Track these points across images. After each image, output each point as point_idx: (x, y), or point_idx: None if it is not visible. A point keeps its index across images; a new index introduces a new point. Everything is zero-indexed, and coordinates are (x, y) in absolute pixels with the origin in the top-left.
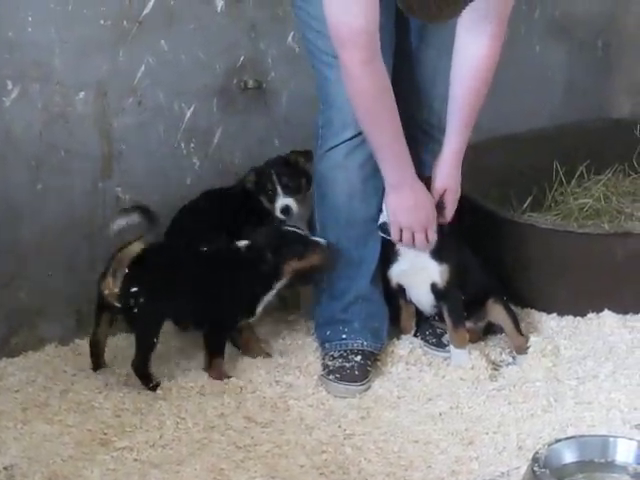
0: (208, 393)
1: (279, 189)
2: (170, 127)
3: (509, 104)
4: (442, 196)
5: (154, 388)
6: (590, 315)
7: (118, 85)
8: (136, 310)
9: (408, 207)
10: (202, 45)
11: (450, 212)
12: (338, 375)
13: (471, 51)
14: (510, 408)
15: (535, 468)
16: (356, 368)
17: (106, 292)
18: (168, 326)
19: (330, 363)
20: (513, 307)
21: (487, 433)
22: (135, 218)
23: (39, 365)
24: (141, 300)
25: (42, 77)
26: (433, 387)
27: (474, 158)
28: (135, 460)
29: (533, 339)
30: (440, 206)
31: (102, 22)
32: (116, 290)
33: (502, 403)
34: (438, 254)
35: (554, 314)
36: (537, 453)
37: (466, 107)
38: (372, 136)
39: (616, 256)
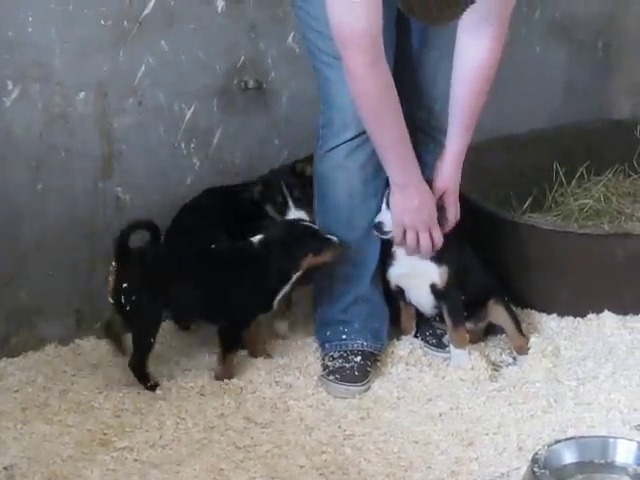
0: (208, 393)
1: (290, 202)
2: (170, 127)
3: (509, 105)
4: (442, 197)
5: (153, 388)
6: (590, 316)
7: (118, 85)
8: (128, 308)
9: (413, 207)
10: (202, 45)
11: (453, 213)
12: (338, 376)
13: (472, 53)
14: (510, 409)
15: (535, 469)
16: (356, 369)
17: (107, 289)
18: (169, 326)
19: (330, 364)
20: (513, 308)
21: (487, 434)
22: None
23: (39, 365)
24: (133, 298)
25: (42, 77)
26: (433, 388)
27: (474, 159)
28: (135, 460)
29: (533, 340)
30: (440, 208)
31: (102, 22)
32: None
33: (502, 404)
34: (437, 256)
35: (554, 315)
36: (537, 454)
37: (467, 109)
38: (376, 137)
39: (616, 257)
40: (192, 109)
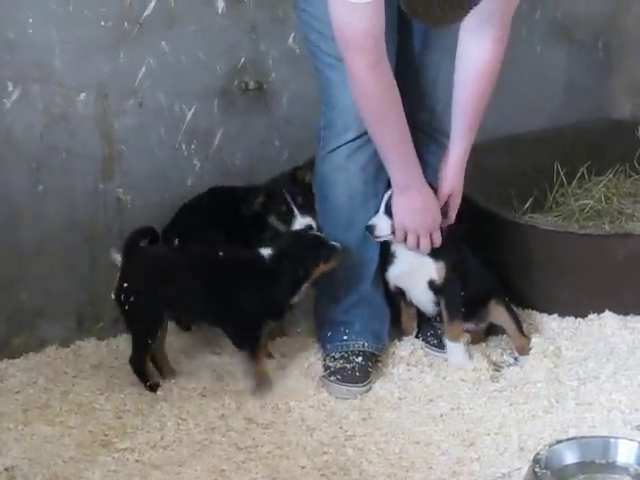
0: (209, 394)
1: (295, 210)
2: (171, 128)
3: (510, 105)
4: (448, 199)
5: (153, 388)
6: (591, 316)
7: (119, 86)
8: (127, 307)
9: (415, 210)
10: (203, 46)
11: (453, 214)
12: (339, 376)
13: (474, 55)
14: (511, 409)
15: (536, 469)
16: (357, 369)
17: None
18: (170, 326)
19: (331, 364)
20: (514, 307)
21: (488, 434)
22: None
23: (40, 366)
24: (132, 298)
25: (43, 78)
26: (434, 388)
27: (475, 159)
28: (136, 461)
29: (534, 340)
30: (443, 208)
31: (103, 23)
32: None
33: (503, 404)
34: (435, 252)
35: (555, 315)
36: (538, 454)
37: (470, 110)
38: (378, 138)
39: (617, 257)
40: (193, 110)
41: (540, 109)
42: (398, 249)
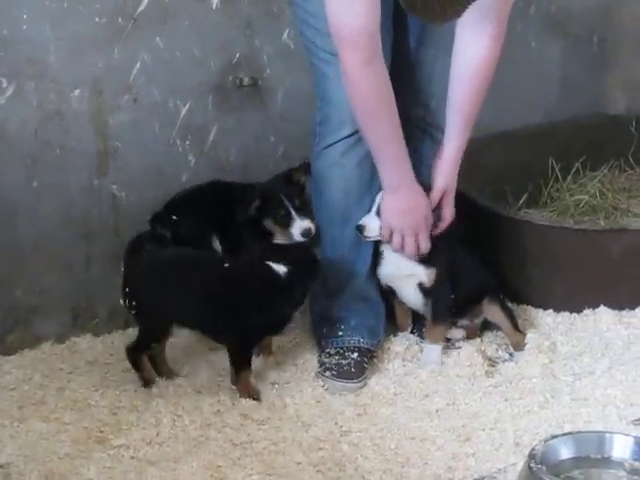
0: (204, 391)
1: (293, 213)
2: (165, 124)
3: (505, 100)
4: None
5: (147, 383)
6: (586, 311)
7: (113, 82)
8: (132, 312)
9: (402, 209)
10: (197, 42)
11: (449, 213)
12: (335, 372)
13: (471, 51)
14: (507, 404)
15: (532, 464)
16: (353, 365)
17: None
18: None
19: (327, 360)
20: (509, 303)
21: (484, 429)
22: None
23: (35, 363)
24: (134, 304)
25: (37, 74)
26: (430, 384)
27: (469, 155)
28: (132, 458)
29: (529, 335)
30: (437, 207)
31: (97, 19)
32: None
33: (499, 399)
34: (426, 257)
35: (550, 310)
36: (534, 449)
37: (466, 107)
38: (370, 136)
39: (612, 252)
40: (187, 106)
41: (535, 104)
42: (386, 250)
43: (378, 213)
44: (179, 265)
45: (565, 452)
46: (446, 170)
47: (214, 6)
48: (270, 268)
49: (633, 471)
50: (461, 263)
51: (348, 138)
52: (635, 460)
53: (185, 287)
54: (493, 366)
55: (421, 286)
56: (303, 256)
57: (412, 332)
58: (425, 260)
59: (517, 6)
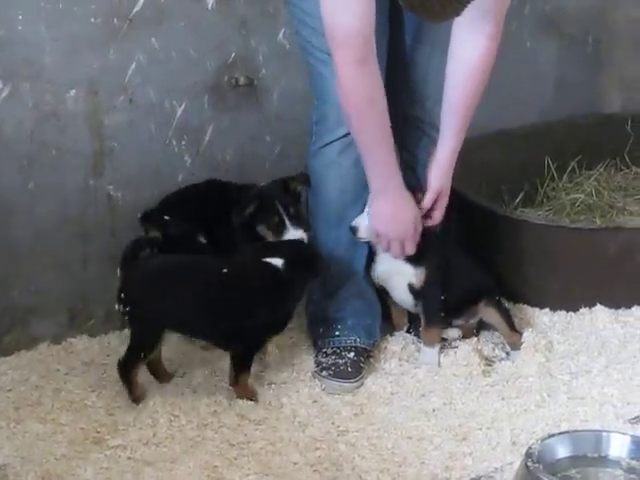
0: (201, 391)
1: (287, 221)
2: (161, 124)
3: (500, 100)
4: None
5: (137, 399)
6: (583, 310)
7: (109, 83)
8: (127, 317)
9: (387, 215)
10: (193, 42)
11: (439, 215)
12: (331, 372)
13: (468, 51)
14: (503, 403)
15: (529, 463)
16: (349, 365)
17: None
18: None
19: (323, 360)
20: (506, 302)
21: (481, 429)
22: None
23: (32, 364)
24: (130, 310)
25: (33, 75)
26: (426, 383)
27: (466, 154)
28: (129, 458)
29: (526, 334)
30: (430, 209)
31: (92, 20)
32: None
33: (495, 399)
34: (414, 258)
35: (547, 309)
36: (530, 448)
37: (462, 108)
38: (359, 137)
39: (608, 251)
40: (183, 106)
41: (530, 104)
42: (379, 249)
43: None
44: (178, 272)
45: (562, 451)
46: (441, 171)
47: (209, 6)
48: (267, 264)
49: (630, 470)
50: (456, 264)
51: (345, 137)
52: (632, 459)
53: (185, 294)
54: (490, 365)
55: (411, 287)
56: (298, 248)
57: (408, 331)
58: (414, 260)
59: (512, 6)
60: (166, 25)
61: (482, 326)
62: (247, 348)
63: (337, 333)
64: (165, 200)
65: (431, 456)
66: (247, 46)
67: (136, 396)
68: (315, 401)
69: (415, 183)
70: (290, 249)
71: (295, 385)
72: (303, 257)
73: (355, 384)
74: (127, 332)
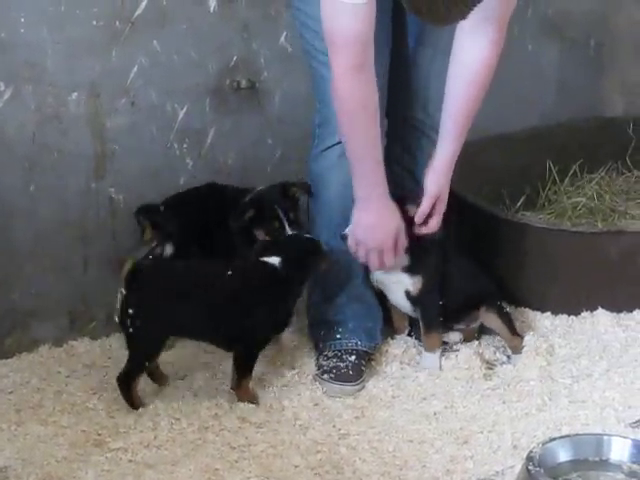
0: (202, 394)
1: (287, 226)
2: (163, 127)
3: (502, 103)
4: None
5: (136, 407)
6: (584, 314)
7: (111, 85)
8: (131, 330)
9: (369, 224)
10: (195, 45)
11: (435, 222)
12: (332, 375)
13: (470, 56)
14: (504, 407)
15: (530, 467)
16: (350, 368)
17: (116, 314)
18: None
19: (324, 363)
20: (507, 306)
21: (482, 432)
22: None
23: (33, 366)
24: (137, 323)
25: (35, 78)
26: (427, 386)
27: (467, 157)
28: (130, 461)
29: (527, 338)
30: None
31: (95, 23)
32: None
33: (496, 402)
34: (410, 266)
35: (548, 313)
36: (532, 452)
37: (462, 113)
38: (348, 144)
39: (610, 254)
40: (185, 109)
41: (532, 107)
42: (358, 258)
43: None
44: (181, 278)
45: (563, 455)
46: (438, 176)
47: (212, 9)
48: (265, 263)
49: (631, 474)
50: (456, 269)
51: None
52: (633, 462)
53: (190, 300)
54: (491, 369)
55: (408, 294)
56: (297, 245)
57: (410, 335)
58: (411, 268)
59: (514, 9)
60: (168, 28)
61: (483, 330)
62: (250, 348)
63: (338, 336)
64: (164, 203)
65: (432, 459)
66: (249, 49)
67: (136, 404)
68: (316, 404)
69: (413, 186)
70: (288, 246)
71: (296, 388)
72: (300, 254)
73: (356, 387)
74: None
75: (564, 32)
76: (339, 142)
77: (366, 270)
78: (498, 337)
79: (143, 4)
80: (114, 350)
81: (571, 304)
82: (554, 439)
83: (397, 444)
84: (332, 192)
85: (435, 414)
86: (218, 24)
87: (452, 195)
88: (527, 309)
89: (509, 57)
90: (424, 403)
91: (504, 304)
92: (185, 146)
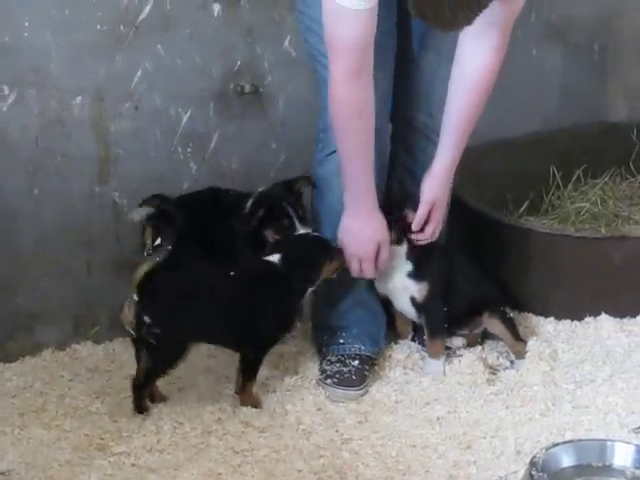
0: (205, 398)
1: (297, 223)
2: (167, 132)
3: (505, 108)
4: (431, 211)
5: (142, 411)
6: (587, 319)
7: (115, 90)
8: (152, 341)
9: (354, 232)
10: (198, 50)
11: (431, 230)
12: (336, 380)
13: (473, 62)
14: (508, 412)
15: (533, 472)
16: (354, 373)
17: (125, 322)
18: None
19: (328, 368)
20: (510, 311)
21: (485, 437)
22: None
23: (36, 370)
24: (156, 331)
25: (39, 82)
26: (431, 391)
27: (470, 162)
28: (132, 465)
29: (530, 343)
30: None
31: (99, 27)
32: (131, 319)
33: (500, 407)
34: (415, 272)
35: (551, 318)
36: (535, 457)
37: (463, 119)
38: (342, 149)
39: (613, 260)
40: (188, 113)
41: (535, 112)
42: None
43: None
44: (195, 284)
45: (566, 460)
46: (436, 183)
47: (215, 13)
48: (267, 262)
49: (634, 479)
50: (460, 274)
51: None
52: (636, 468)
53: (205, 305)
54: (494, 374)
55: (413, 301)
56: (299, 242)
57: (413, 340)
58: (415, 275)
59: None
60: (172, 32)
61: (487, 335)
62: (257, 348)
63: (342, 341)
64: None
65: (435, 465)
66: (253, 53)
67: (144, 408)
68: (319, 409)
69: (413, 188)
70: (290, 244)
71: (299, 393)
72: (299, 251)
73: (359, 392)
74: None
75: (568, 37)
76: None
77: None
78: (501, 342)
79: (147, 8)
80: (117, 354)
81: (574, 309)
82: (557, 444)
83: (400, 449)
84: (337, 195)
85: (438, 419)
86: (222, 28)
87: (455, 199)
88: (530, 314)
89: (512, 62)
90: (427, 408)
91: (507, 309)
92: (189, 150)
